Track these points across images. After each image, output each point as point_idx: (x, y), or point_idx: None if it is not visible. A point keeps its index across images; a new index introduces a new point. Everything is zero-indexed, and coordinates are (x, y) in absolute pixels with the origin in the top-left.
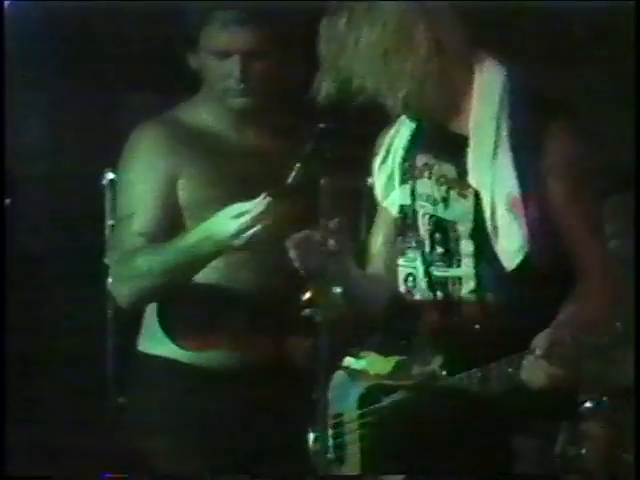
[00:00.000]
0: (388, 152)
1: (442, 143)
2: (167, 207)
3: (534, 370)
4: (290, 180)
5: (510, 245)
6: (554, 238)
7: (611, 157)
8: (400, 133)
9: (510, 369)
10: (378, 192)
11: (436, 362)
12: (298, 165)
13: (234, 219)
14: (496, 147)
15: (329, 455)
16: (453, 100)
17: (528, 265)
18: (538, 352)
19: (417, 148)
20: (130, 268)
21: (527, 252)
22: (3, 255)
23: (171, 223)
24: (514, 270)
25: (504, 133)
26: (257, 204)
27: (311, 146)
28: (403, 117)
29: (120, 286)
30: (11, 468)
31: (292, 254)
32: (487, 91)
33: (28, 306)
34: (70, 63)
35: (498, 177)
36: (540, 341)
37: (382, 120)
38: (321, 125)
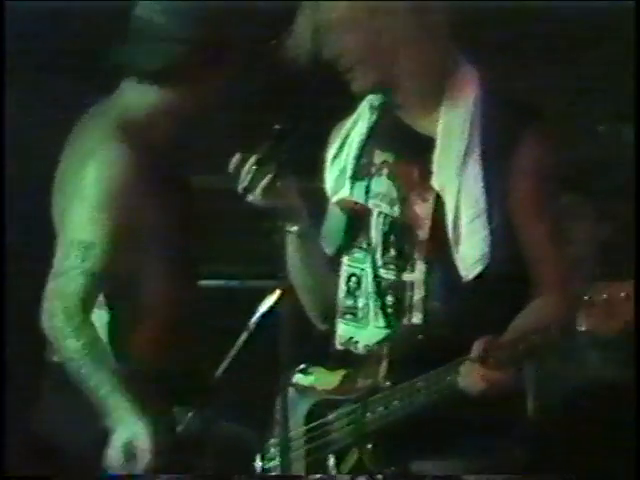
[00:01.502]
0: (343, 145)
1: (405, 142)
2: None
3: (469, 375)
4: (245, 184)
5: (471, 254)
6: (516, 249)
7: (608, 158)
8: (358, 125)
9: (449, 377)
10: (328, 187)
11: (381, 373)
12: (254, 167)
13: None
14: (466, 154)
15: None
16: (423, 98)
17: (486, 275)
18: (472, 356)
19: (376, 144)
20: (76, 345)
21: (487, 262)
22: (3, 255)
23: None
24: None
25: (475, 140)
26: None
27: (267, 147)
28: (363, 108)
29: (62, 341)
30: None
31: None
32: (460, 96)
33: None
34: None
35: (465, 184)
36: (476, 346)
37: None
38: (277, 126)
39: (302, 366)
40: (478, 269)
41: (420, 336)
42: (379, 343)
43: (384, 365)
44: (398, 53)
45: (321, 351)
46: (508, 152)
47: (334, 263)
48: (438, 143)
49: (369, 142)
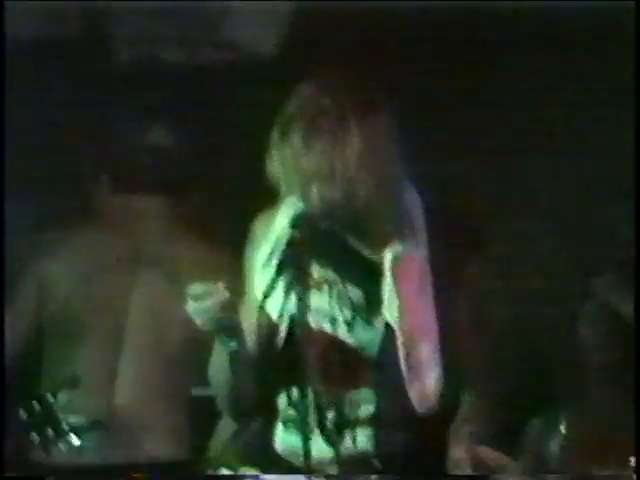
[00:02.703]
0: (272, 252)
1: (348, 263)
2: None
3: None
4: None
5: (425, 388)
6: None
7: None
8: (287, 233)
9: None
10: (258, 293)
11: None
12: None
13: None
14: (420, 287)
15: None
16: (368, 221)
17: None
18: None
19: (313, 257)
20: None
21: (441, 396)
22: (3, 255)
23: None
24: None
25: (426, 270)
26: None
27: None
28: (291, 213)
29: None
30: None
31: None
32: (407, 224)
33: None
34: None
35: (420, 319)
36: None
37: None
38: None
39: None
40: (431, 403)
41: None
42: (329, 464)
43: None
44: (353, 173)
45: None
46: (459, 281)
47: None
48: (387, 273)
49: (305, 253)
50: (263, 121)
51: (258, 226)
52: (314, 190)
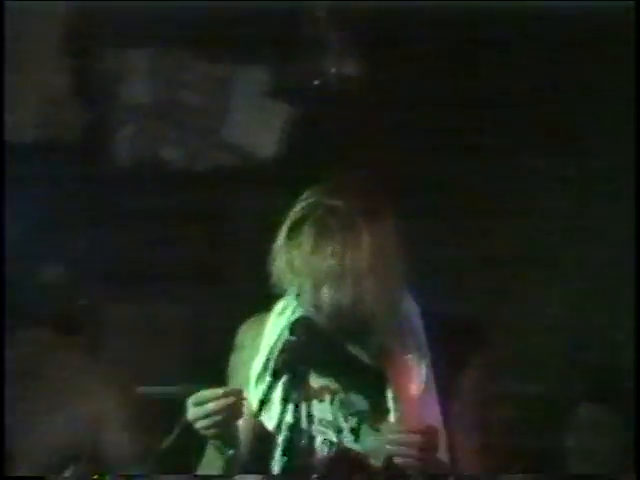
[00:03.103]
0: (267, 362)
1: (349, 371)
2: None
3: None
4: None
5: None
6: None
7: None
8: (280, 340)
9: None
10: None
11: None
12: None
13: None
14: (424, 392)
15: None
16: (370, 326)
17: None
18: None
19: (312, 364)
20: None
21: None
22: (3, 258)
23: None
24: None
25: (429, 376)
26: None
27: None
28: (286, 317)
29: None
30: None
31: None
32: (408, 330)
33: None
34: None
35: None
36: None
37: None
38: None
39: None
40: None
41: None
42: None
43: None
44: (363, 276)
45: None
46: (460, 385)
47: None
48: (391, 380)
49: (301, 362)
50: (264, 224)
51: (245, 333)
52: (323, 292)
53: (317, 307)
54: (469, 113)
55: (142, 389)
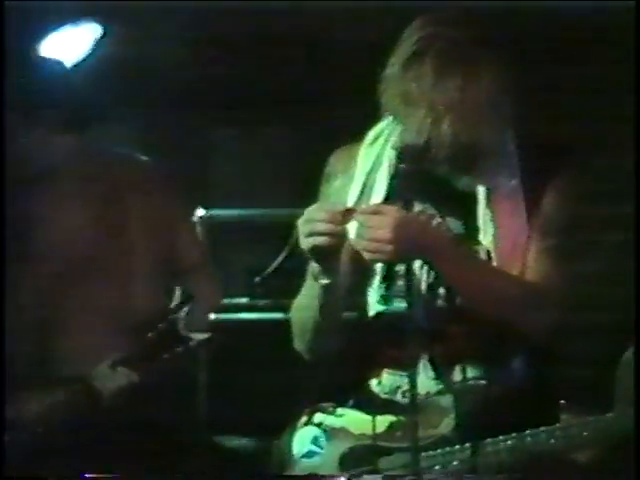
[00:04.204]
0: (364, 189)
1: (444, 195)
2: None
3: None
4: (271, 269)
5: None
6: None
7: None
8: (381, 170)
9: (552, 440)
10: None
11: (445, 426)
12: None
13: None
14: (514, 213)
15: None
16: (470, 155)
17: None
18: None
19: (416, 194)
20: None
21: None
22: (3, 256)
23: None
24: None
25: (519, 199)
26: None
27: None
28: (383, 146)
29: None
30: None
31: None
32: (504, 159)
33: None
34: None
35: (514, 242)
36: None
37: None
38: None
39: (327, 405)
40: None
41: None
42: (439, 394)
43: (451, 418)
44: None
45: (353, 394)
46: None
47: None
48: (482, 203)
49: (411, 191)
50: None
51: (336, 162)
52: (443, 123)
53: (431, 138)
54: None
55: None
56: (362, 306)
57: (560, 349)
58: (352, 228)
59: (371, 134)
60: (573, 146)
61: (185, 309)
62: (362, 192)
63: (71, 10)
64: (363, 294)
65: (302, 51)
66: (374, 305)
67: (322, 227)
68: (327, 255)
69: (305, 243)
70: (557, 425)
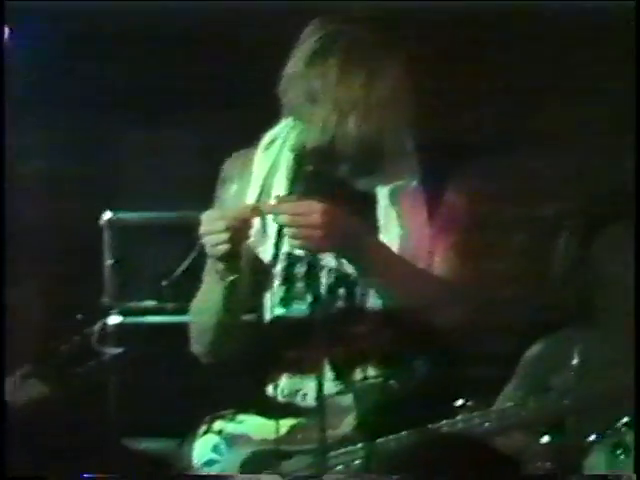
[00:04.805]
0: (263, 189)
1: (347, 198)
2: None
3: None
4: (179, 272)
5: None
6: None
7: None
8: (279, 172)
9: (487, 423)
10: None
11: (346, 426)
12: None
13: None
14: (417, 214)
15: None
16: (372, 155)
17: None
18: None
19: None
20: None
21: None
22: (3, 257)
23: None
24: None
25: (422, 197)
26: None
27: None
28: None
29: None
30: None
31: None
32: (405, 159)
33: None
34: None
35: (418, 239)
36: None
37: None
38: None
39: (226, 412)
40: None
41: (394, 384)
42: (338, 394)
43: (351, 417)
44: (386, 108)
45: (250, 399)
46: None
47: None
48: (384, 202)
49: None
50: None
51: (232, 167)
52: (348, 122)
53: (335, 137)
54: (469, 113)
55: None
56: (260, 309)
57: (462, 347)
58: (255, 226)
59: (266, 138)
60: (472, 146)
61: (99, 323)
62: (260, 195)
63: None
64: (261, 296)
65: (208, 52)
66: (273, 308)
67: (226, 236)
68: (232, 255)
69: (212, 251)
70: (492, 408)
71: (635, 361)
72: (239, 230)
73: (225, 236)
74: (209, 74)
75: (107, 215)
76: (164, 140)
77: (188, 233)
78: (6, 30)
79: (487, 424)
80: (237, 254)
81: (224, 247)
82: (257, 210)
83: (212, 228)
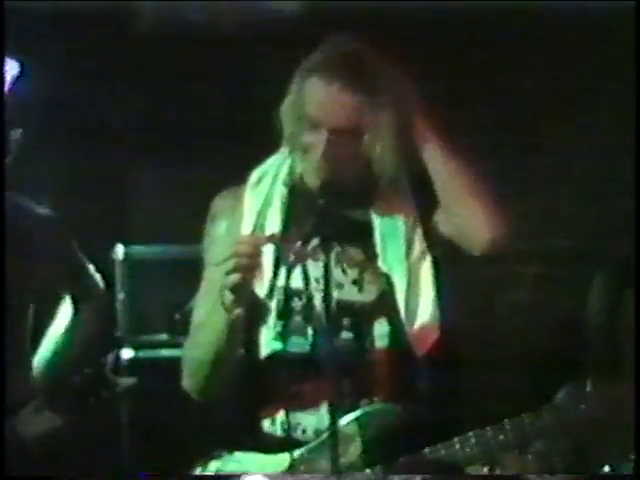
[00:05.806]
0: (256, 225)
1: (344, 227)
2: None
3: None
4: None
5: (424, 330)
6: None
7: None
8: (272, 206)
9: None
10: None
11: (352, 454)
12: None
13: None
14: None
15: None
16: (365, 182)
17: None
18: None
19: (304, 224)
20: None
21: (440, 336)
22: (3, 258)
23: None
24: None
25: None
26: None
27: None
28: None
29: None
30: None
31: None
32: (395, 186)
33: None
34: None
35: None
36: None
37: None
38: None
39: (220, 452)
40: (429, 344)
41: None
42: (342, 425)
43: (357, 445)
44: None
45: (248, 436)
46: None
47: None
48: (377, 227)
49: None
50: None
51: (221, 205)
52: (338, 147)
53: (339, 169)
54: (469, 112)
55: None
56: (253, 344)
57: (463, 378)
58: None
59: (254, 175)
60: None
61: (112, 354)
62: (254, 231)
63: None
64: (256, 332)
65: (222, 85)
66: (269, 343)
67: (246, 261)
68: (244, 285)
69: (230, 279)
70: (505, 420)
71: (635, 360)
72: (255, 257)
73: (246, 261)
74: (221, 106)
75: (119, 249)
76: (176, 174)
77: (200, 267)
78: (17, 65)
79: (502, 437)
80: (248, 285)
81: (238, 276)
82: (274, 238)
83: (235, 252)
